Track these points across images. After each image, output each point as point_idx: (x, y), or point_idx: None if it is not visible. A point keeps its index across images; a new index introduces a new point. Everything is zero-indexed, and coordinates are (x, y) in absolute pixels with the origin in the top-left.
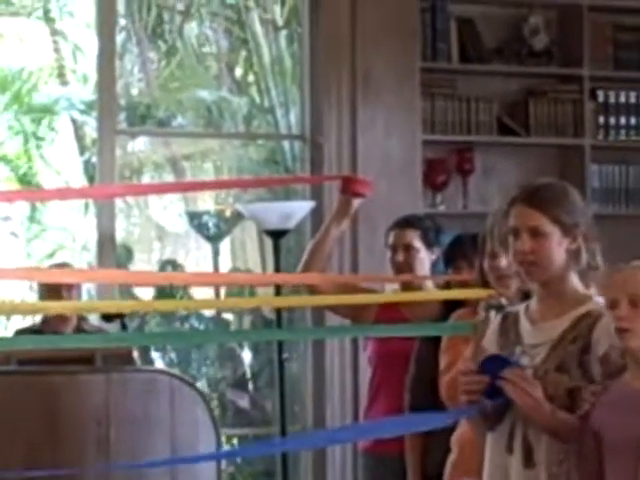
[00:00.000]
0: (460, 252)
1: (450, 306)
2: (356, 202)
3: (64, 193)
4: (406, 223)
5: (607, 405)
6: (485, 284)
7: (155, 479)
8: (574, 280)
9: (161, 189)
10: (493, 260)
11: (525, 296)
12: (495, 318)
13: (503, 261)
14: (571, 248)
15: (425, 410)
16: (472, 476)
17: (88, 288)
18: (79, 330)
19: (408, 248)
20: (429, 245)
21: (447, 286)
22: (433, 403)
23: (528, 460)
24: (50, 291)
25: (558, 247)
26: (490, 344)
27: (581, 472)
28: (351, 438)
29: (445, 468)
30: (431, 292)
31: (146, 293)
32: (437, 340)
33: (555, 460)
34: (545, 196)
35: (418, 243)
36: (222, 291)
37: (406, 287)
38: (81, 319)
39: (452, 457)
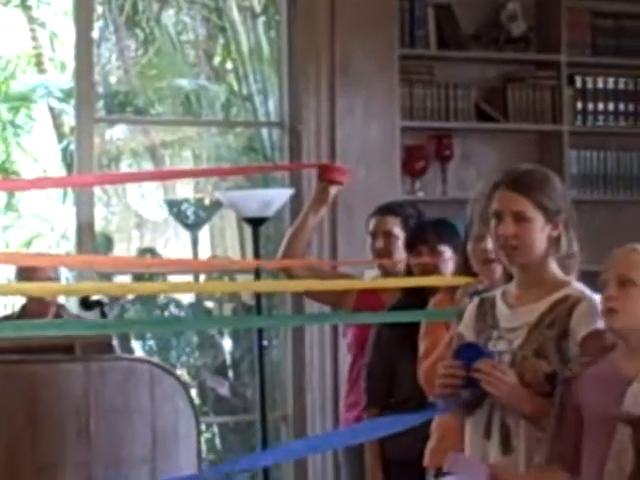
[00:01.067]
0: (421, 238)
1: (417, 292)
2: (333, 190)
3: (41, 182)
4: (387, 210)
5: (591, 379)
6: (468, 268)
7: (136, 467)
8: (553, 266)
9: (139, 177)
10: (479, 243)
11: (509, 278)
12: (471, 303)
13: (489, 244)
14: (552, 235)
15: (381, 397)
16: None
17: (67, 277)
18: (58, 317)
19: (388, 235)
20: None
21: (408, 271)
22: (390, 389)
23: (506, 445)
24: (28, 279)
25: (540, 233)
26: (467, 329)
27: (558, 438)
28: (332, 445)
29: (425, 454)
30: (411, 279)
31: (125, 279)
32: (395, 326)
33: (533, 446)
34: (529, 181)
35: (398, 230)
36: (201, 277)
37: (386, 274)
38: (59, 307)
39: (431, 443)
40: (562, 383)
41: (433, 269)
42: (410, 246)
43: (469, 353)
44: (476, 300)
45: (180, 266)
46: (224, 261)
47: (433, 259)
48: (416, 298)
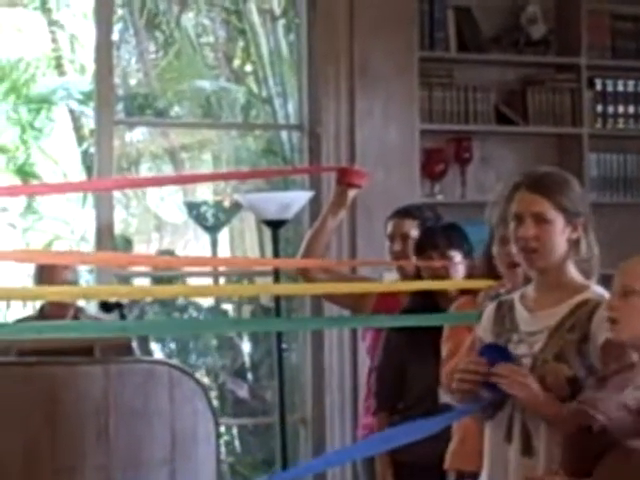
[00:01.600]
0: (431, 242)
1: (426, 295)
2: (352, 193)
3: (61, 187)
4: (405, 213)
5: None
6: (491, 272)
7: (155, 469)
8: (572, 270)
9: (159, 182)
10: (504, 246)
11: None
12: (489, 306)
13: (514, 247)
14: (572, 238)
15: (390, 401)
16: (472, 464)
17: (87, 280)
18: (76, 320)
19: (405, 238)
20: None
21: (418, 275)
22: (400, 393)
23: (527, 448)
24: (48, 276)
25: (561, 235)
26: (485, 332)
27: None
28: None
29: (445, 456)
30: (432, 282)
31: (144, 283)
32: (405, 330)
33: (554, 449)
34: (549, 183)
35: (415, 233)
36: (221, 280)
37: (405, 276)
38: (78, 310)
39: (452, 446)
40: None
41: (443, 274)
42: (420, 251)
43: (493, 354)
44: (494, 303)
45: (202, 264)
46: (244, 260)
47: (443, 264)
48: (426, 301)
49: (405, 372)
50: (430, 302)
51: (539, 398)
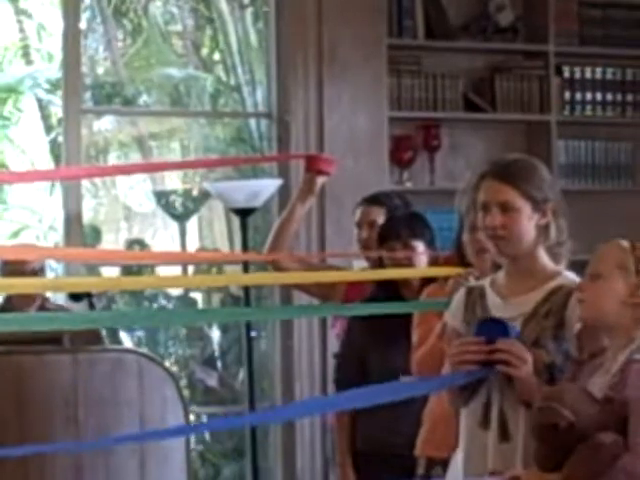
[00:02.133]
0: (393, 232)
1: (389, 285)
2: (320, 180)
3: (29, 176)
4: (373, 200)
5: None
6: (463, 259)
7: (124, 457)
8: (543, 255)
9: (128, 170)
10: (473, 233)
11: (498, 269)
12: (459, 293)
13: (483, 235)
14: (541, 224)
15: (350, 382)
16: (443, 451)
17: (56, 268)
18: (42, 309)
19: (373, 225)
20: None
21: (381, 265)
22: (360, 381)
23: (504, 434)
24: (13, 271)
25: (528, 222)
26: (454, 319)
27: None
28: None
29: (416, 442)
30: (402, 270)
31: (113, 272)
32: (368, 319)
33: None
34: (515, 171)
35: (382, 220)
36: (190, 270)
37: (374, 265)
38: (44, 299)
39: (423, 433)
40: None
41: (406, 264)
42: (382, 240)
43: (491, 330)
44: (463, 289)
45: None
46: (214, 254)
47: (406, 254)
48: (389, 291)
49: (366, 361)
50: (392, 291)
51: (533, 380)
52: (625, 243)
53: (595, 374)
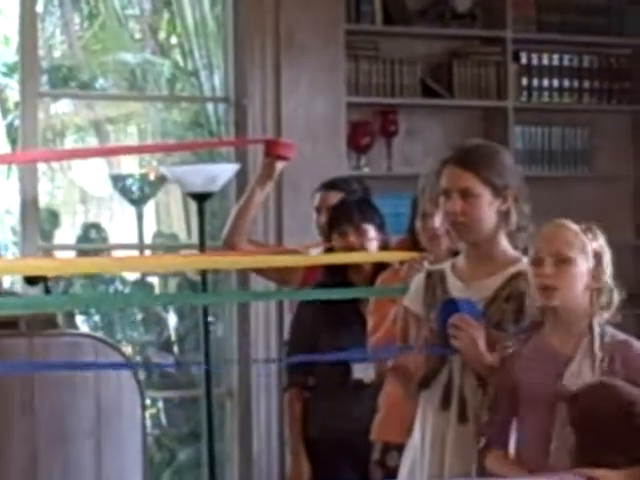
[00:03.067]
0: (345, 216)
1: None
2: (279, 165)
3: None
4: (331, 185)
5: (526, 358)
6: (416, 244)
7: (80, 441)
8: (503, 241)
9: (85, 153)
10: (426, 220)
11: (454, 254)
12: (418, 277)
13: (436, 221)
14: (501, 209)
15: (301, 376)
16: (398, 436)
17: (13, 252)
18: None
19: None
20: None
21: (332, 250)
22: (310, 368)
23: (462, 415)
24: None
25: (488, 208)
26: (413, 302)
27: (492, 420)
28: None
29: (372, 427)
30: (360, 254)
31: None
32: (318, 305)
33: (483, 414)
34: (476, 157)
35: None
36: (147, 253)
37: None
38: None
39: (379, 417)
40: (500, 363)
41: (358, 248)
42: (334, 224)
43: (450, 310)
44: (423, 273)
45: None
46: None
47: (357, 238)
48: (339, 277)
49: (316, 345)
50: (341, 277)
51: (477, 351)
52: (575, 225)
53: (570, 365)
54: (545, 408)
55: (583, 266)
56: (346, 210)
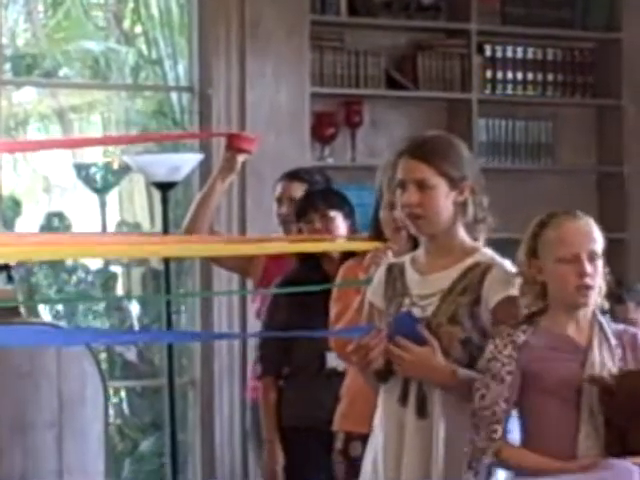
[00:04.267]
0: (311, 205)
1: (311, 259)
2: (241, 158)
3: None
4: (293, 176)
5: (539, 348)
6: (379, 235)
7: (42, 430)
8: (461, 232)
9: (48, 145)
10: (390, 211)
11: (415, 245)
12: (380, 270)
13: (400, 213)
14: (458, 201)
15: (275, 365)
16: (362, 426)
17: None
18: None
19: (293, 200)
20: None
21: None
22: (285, 357)
23: (422, 410)
24: None
25: (445, 200)
26: (375, 296)
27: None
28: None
29: (334, 417)
30: (323, 244)
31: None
32: (292, 295)
33: (450, 411)
34: (431, 149)
35: None
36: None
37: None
38: None
39: (341, 407)
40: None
41: (325, 236)
42: (300, 213)
43: (402, 326)
44: (384, 266)
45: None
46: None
47: (324, 225)
48: (311, 265)
49: (289, 338)
50: (314, 265)
51: (419, 370)
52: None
53: (590, 354)
54: (569, 397)
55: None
56: (311, 199)
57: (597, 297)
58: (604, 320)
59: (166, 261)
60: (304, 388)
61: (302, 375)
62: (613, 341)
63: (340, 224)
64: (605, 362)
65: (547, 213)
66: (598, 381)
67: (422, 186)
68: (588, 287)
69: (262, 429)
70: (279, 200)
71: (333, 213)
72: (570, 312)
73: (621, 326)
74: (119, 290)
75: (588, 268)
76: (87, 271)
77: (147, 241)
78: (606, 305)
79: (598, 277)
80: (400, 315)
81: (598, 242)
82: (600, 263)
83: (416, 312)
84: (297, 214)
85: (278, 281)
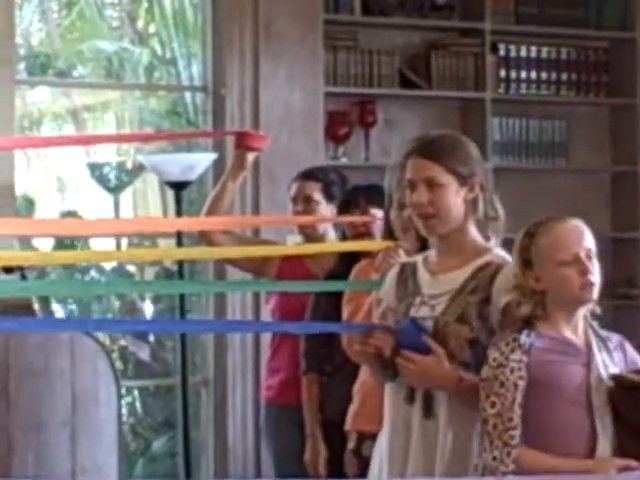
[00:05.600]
0: (353, 202)
1: (351, 257)
2: (251, 156)
3: None
4: (308, 175)
5: (543, 352)
6: (391, 235)
7: (55, 430)
8: (473, 231)
9: (63, 141)
10: (401, 211)
11: (423, 244)
12: (392, 270)
13: (412, 213)
14: (468, 198)
15: (319, 362)
16: (373, 425)
17: None
18: None
19: (308, 200)
20: (331, 198)
21: (343, 237)
22: (328, 355)
23: (428, 411)
24: None
25: (455, 197)
26: (387, 296)
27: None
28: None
29: (346, 417)
30: (335, 244)
31: (46, 244)
32: (333, 294)
33: (456, 412)
34: (439, 147)
35: (318, 196)
36: (123, 243)
37: (308, 239)
38: None
39: (353, 406)
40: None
41: (365, 232)
42: (342, 210)
43: (409, 333)
44: (397, 266)
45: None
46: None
47: (365, 221)
48: (350, 263)
49: (333, 334)
50: (352, 263)
51: (426, 379)
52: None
53: (593, 357)
54: (579, 399)
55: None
56: (354, 195)
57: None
58: (595, 325)
59: (180, 261)
60: (346, 384)
61: (344, 371)
62: (611, 344)
63: (380, 221)
64: (607, 364)
65: (531, 224)
66: (625, 380)
67: (432, 185)
68: (592, 284)
69: (280, 426)
70: (294, 199)
71: (374, 210)
72: (569, 316)
73: (605, 333)
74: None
75: (589, 265)
76: (101, 271)
77: (160, 223)
78: (598, 310)
79: (598, 274)
80: (405, 326)
81: (592, 241)
82: (596, 262)
83: (425, 311)
84: (339, 210)
85: (321, 277)
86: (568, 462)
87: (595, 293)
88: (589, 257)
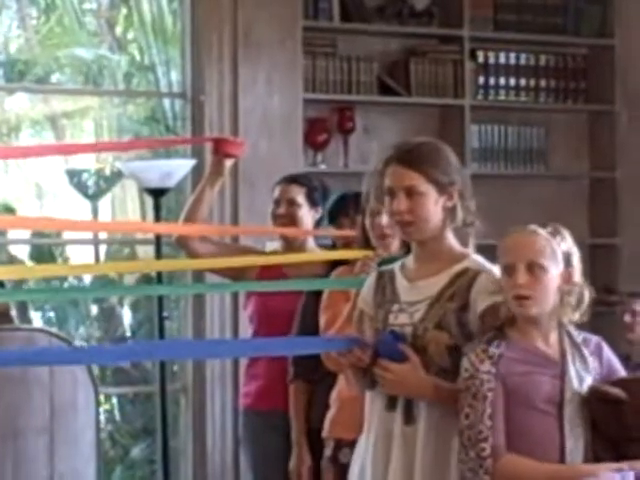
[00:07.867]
0: (343, 210)
1: (333, 265)
2: (228, 162)
3: None
4: (293, 179)
5: (514, 361)
6: (367, 242)
7: (33, 437)
8: (450, 238)
9: (41, 151)
10: (375, 218)
11: (408, 249)
12: (370, 277)
13: (384, 219)
14: (447, 206)
15: (308, 369)
16: (351, 432)
17: None
18: None
19: (291, 202)
20: (313, 204)
21: (333, 246)
22: (316, 362)
23: (409, 417)
24: None
25: (434, 206)
26: (365, 303)
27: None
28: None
29: (324, 424)
30: (314, 253)
31: (22, 251)
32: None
33: (436, 418)
34: (419, 155)
35: (302, 199)
36: (101, 248)
37: (288, 246)
38: None
39: (331, 413)
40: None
41: (355, 241)
42: (332, 218)
43: (387, 344)
44: (375, 273)
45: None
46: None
47: (354, 230)
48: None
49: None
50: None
51: (402, 387)
52: (542, 230)
53: (567, 367)
54: (550, 410)
55: (555, 271)
56: (343, 203)
57: (546, 307)
58: (573, 331)
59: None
60: (331, 392)
61: (331, 379)
62: (586, 352)
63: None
64: (581, 374)
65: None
66: (603, 392)
67: (411, 193)
68: (521, 297)
69: (258, 432)
70: (277, 202)
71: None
72: (537, 326)
73: (581, 336)
74: (112, 297)
75: (521, 278)
76: (79, 278)
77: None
78: (575, 318)
79: (541, 288)
80: (382, 338)
81: (543, 254)
82: (546, 276)
83: (404, 318)
84: (329, 218)
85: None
86: (557, 468)
87: (529, 307)
88: (531, 269)
